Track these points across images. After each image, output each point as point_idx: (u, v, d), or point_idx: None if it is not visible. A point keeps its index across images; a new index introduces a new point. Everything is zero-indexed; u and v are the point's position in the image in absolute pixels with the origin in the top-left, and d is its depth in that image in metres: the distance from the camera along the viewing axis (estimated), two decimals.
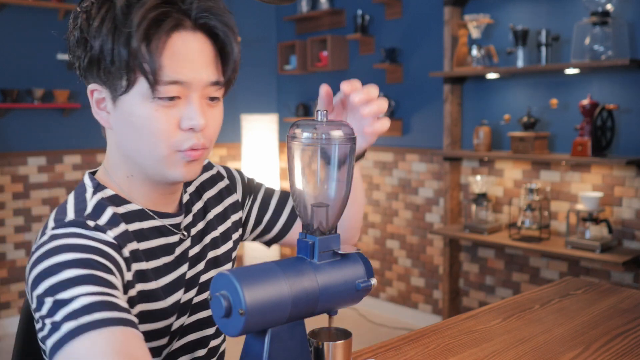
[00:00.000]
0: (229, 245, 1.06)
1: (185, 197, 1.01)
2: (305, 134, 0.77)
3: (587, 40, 2.86)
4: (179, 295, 0.94)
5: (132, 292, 0.84)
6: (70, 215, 0.83)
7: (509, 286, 3.43)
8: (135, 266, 0.86)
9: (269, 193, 1.14)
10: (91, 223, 0.81)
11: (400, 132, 3.93)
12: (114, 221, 0.84)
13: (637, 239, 2.91)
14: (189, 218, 0.99)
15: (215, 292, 0.74)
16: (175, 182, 0.89)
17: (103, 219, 0.84)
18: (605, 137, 2.88)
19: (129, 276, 0.83)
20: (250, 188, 1.13)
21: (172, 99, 0.81)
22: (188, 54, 0.81)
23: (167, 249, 0.93)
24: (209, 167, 1.09)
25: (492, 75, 3.28)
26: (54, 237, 0.78)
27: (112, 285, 0.75)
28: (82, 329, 0.69)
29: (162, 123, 0.82)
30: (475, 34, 3.32)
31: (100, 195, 0.88)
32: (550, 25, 3.09)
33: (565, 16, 3.05)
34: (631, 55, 2.83)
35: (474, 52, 3.27)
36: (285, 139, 0.81)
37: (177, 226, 0.95)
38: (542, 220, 3.13)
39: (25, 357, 1.13)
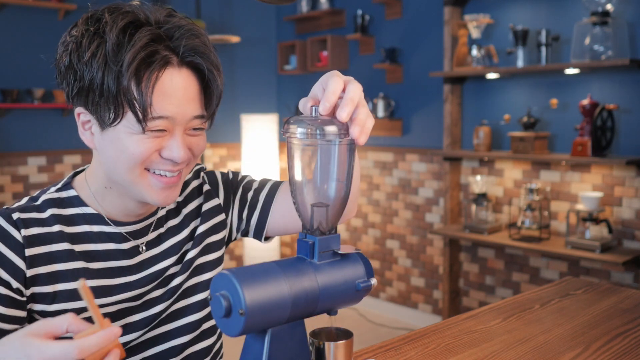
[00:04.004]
0: (210, 256, 1.07)
1: (161, 213, 1.03)
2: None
3: (587, 40, 2.86)
4: (120, 297, 0.95)
5: (37, 290, 0.89)
6: (17, 204, 0.94)
7: (509, 286, 3.43)
8: (50, 268, 0.90)
9: (247, 187, 1.13)
10: (15, 215, 0.90)
11: (400, 132, 3.93)
12: (40, 222, 0.92)
13: (637, 239, 2.91)
14: (154, 234, 1.01)
15: (215, 292, 0.74)
16: (153, 205, 0.94)
17: (31, 215, 0.92)
18: (605, 137, 2.88)
19: (30, 274, 0.88)
20: (233, 185, 1.13)
21: (159, 131, 0.86)
22: (174, 91, 0.85)
23: (116, 255, 0.96)
24: (194, 176, 1.11)
25: (492, 75, 3.28)
26: None
27: None
28: None
29: (145, 151, 0.86)
30: (475, 34, 3.32)
31: (56, 194, 0.95)
32: (550, 25, 3.09)
33: (565, 16, 3.05)
34: (631, 55, 2.83)
35: (474, 52, 3.27)
36: (285, 139, 0.81)
37: (135, 234, 0.98)
38: (542, 220, 3.13)
39: None
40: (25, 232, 0.89)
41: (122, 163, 0.87)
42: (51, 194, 0.95)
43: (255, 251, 4.52)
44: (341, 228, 4.35)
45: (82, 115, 0.89)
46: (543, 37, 3.02)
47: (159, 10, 0.88)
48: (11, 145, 3.74)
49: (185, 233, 1.04)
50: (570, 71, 2.98)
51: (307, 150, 0.77)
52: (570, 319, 1.26)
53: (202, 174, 1.11)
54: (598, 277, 3.04)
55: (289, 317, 0.76)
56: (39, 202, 0.94)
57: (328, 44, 4.14)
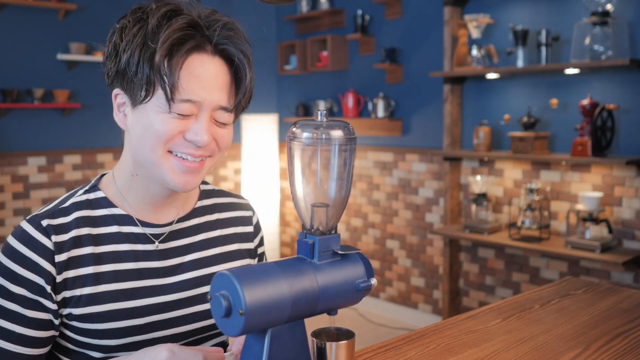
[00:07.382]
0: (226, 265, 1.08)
1: (195, 221, 1.05)
2: (306, 134, 0.77)
3: (587, 40, 2.86)
4: (145, 301, 0.96)
5: (68, 294, 0.93)
6: (44, 209, 0.97)
7: (509, 286, 3.43)
8: (76, 272, 0.93)
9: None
10: (45, 222, 0.93)
11: (400, 132, 3.92)
12: (68, 227, 0.94)
13: (637, 239, 2.91)
14: (178, 231, 1.02)
15: (215, 292, 0.74)
16: (174, 189, 0.94)
17: (60, 221, 0.94)
18: (605, 137, 2.88)
19: (59, 279, 0.92)
20: (257, 252, 1.16)
21: (185, 116, 0.89)
22: (204, 76, 0.89)
23: (140, 255, 0.98)
24: (246, 208, 1.14)
25: (492, 75, 3.28)
26: (15, 233, 0.93)
27: (24, 303, 0.90)
28: None
29: (170, 130, 0.89)
30: (475, 34, 3.32)
31: (84, 197, 0.98)
32: (550, 25, 3.09)
33: (565, 16, 3.05)
34: (631, 55, 2.83)
35: (474, 52, 3.27)
36: (285, 139, 0.82)
37: (158, 236, 1.00)
38: (542, 220, 3.13)
39: None
40: (56, 238, 0.92)
41: (147, 140, 0.89)
42: (79, 196, 0.98)
43: None
44: (341, 228, 4.35)
45: (118, 97, 0.93)
46: (543, 37, 3.02)
47: (203, 8, 0.93)
48: (11, 145, 3.74)
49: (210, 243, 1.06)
50: (570, 71, 2.98)
51: (308, 150, 0.77)
52: (570, 319, 1.26)
53: (254, 214, 1.15)
54: (598, 277, 3.04)
55: (289, 317, 0.76)
56: (67, 205, 0.96)
57: (328, 44, 4.14)
